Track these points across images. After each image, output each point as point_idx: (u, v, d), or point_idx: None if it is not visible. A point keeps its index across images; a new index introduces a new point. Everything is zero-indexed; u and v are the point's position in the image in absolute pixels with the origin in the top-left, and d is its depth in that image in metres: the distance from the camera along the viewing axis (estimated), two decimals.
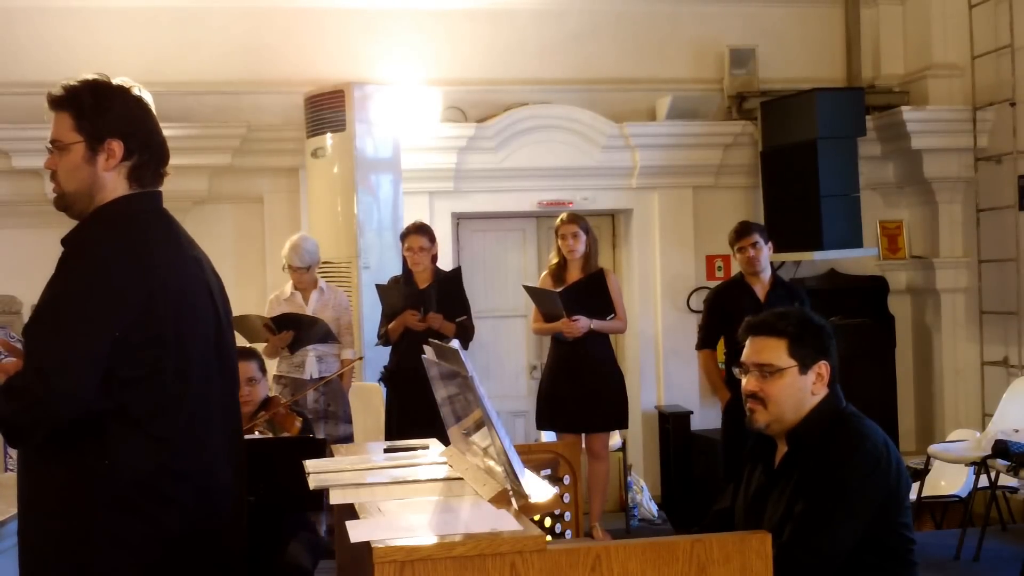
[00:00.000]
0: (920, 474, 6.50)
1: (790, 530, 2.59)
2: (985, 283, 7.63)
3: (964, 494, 6.33)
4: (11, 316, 6.78)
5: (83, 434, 2.35)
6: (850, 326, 7.26)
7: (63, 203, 2.54)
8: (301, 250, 6.15)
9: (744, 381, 2.80)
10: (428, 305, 5.85)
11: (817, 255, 7.23)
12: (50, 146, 2.52)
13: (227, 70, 7.26)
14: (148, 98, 2.57)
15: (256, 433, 4.34)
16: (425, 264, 6.07)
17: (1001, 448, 5.72)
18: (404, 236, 6.14)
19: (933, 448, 6.46)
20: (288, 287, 6.29)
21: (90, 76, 2.53)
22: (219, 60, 7.26)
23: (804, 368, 2.74)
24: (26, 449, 2.44)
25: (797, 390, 2.74)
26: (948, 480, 6.54)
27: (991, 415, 6.77)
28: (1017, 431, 5.97)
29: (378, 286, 6.10)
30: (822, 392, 2.75)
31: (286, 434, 4.48)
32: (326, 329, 5.95)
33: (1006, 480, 6.08)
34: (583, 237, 6.06)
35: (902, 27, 8.03)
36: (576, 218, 6.15)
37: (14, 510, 2.54)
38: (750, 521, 2.78)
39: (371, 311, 6.35)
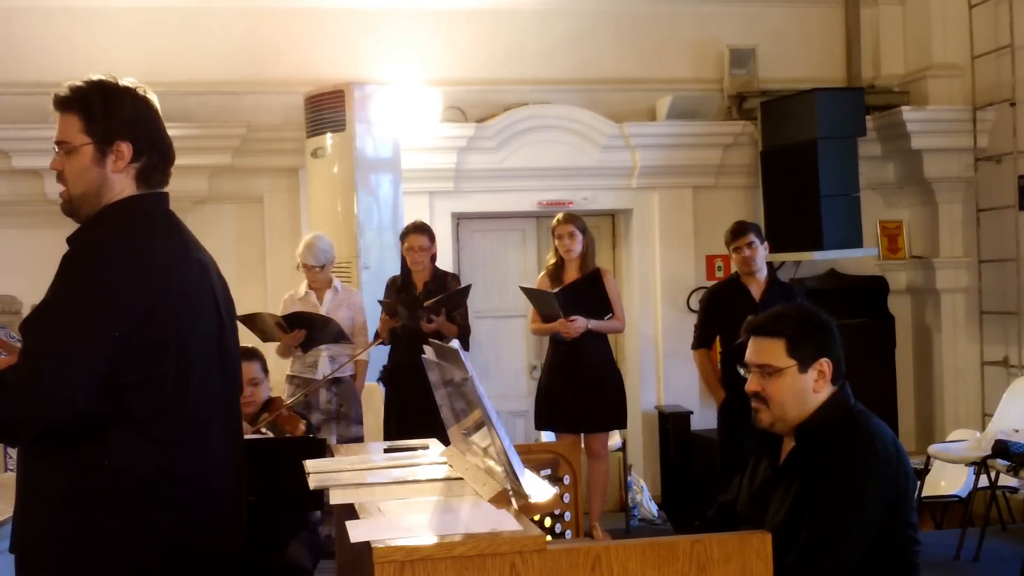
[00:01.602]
0: (920, 474, 6.50)
1: (807, 537, 2.56)
2: (985, 283, 7.64)
3: (964, 494, 6.33)
4: (11, 316, 6.77)
5: (83, 434, 2.34)
6: (850, 326, 7.26)
7: (70, 208, 2.53)
8: (316, 249, 6.14)
9: (748, 381, 2.81)
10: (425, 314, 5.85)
11: (817, 255, 7.23)
12: (56, 147, 2.51)
13: (227, 70, 7.26)
14: (154, 98, 2.57)
15: (262, 433, 4.33)
16: (424, 263, 6.07)
17: (1001, 448, 5.72)
18: (404, 235, 6.14)
19: (933, 448, 6.46)
20: (303, 286, 6.28)
21: (96, 77, 2.51)
22: (219, 60, 7.26)
23: (804, 367, 2.73)
24: (26, 448, 2.44)
25: (798, 389, 2.73)
26: (948, 480, 6.54)
27: (991, 415, 6.77)
28: (1017, 431, 5.97)
29: (381, 302, 6.09)
30: (825, 389, 2.74)
31: (289, 436, 4.47)
32: (339, 330, 5.93)
33: (1006, 480, 6.09)
34: (579, 237, 6.06)
35: (902, 27, 8.03)
36: (572, 218, 6.14)
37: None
38: (753, 514, 2.78)
39: (371, 311, 6.35)
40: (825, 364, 2.74)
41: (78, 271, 2.39)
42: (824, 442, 2.68)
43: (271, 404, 4.60)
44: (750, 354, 2.80)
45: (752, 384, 2.78)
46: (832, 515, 2.57)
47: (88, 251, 2.43)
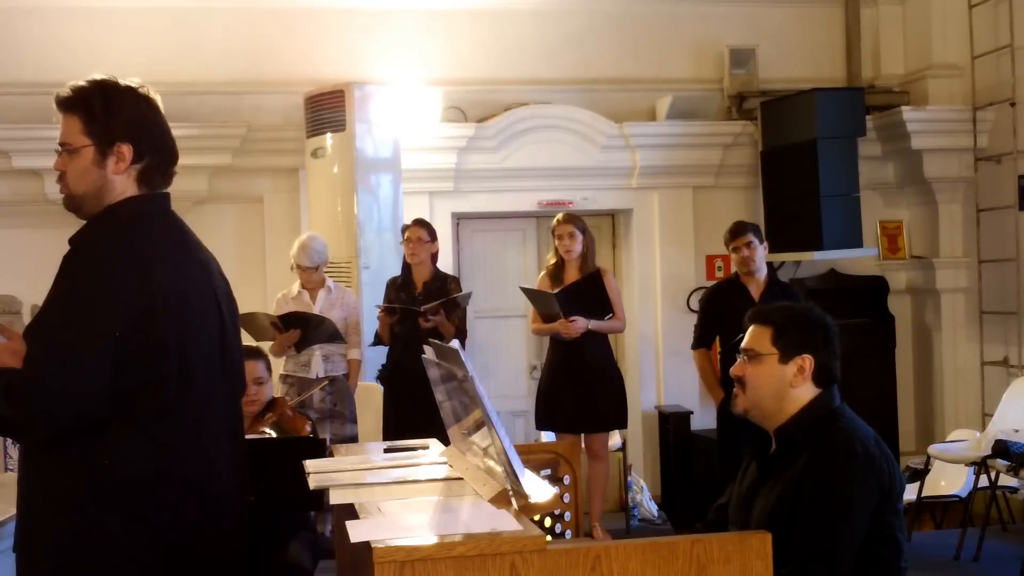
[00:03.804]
0: (920, 474, 6.50)
1: (798, 549, 2.54)
2: (985, 283, 7.63)
3: (964, 494, 6.33)
4: (11, 316, 6.78)
5: (84, 435, 2.34)
6: (850, 326, 7.24)
7: (72, 204, 2.53)
8: (310, 250, 6.15)
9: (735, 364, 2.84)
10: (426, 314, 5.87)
11: (817, 255, 7.23)
12: (59, 148, 2.50)
13: (227, 70, 7.26)
14: (157, 98, 2.56)
15: (266, 432, 4.33)
16: (423, 258, 6.07)
17: (1001, 448, 5.72)
18: (403, 229, 6.17)
19: (933, 448, 6.46)
20: (296, 286, 6.29)
21: (99, 77, 2.51)
22: (219, 60, 7.26)
23: (785, 358, 2.73)
24: (28, 448, 2.44)
25: (775, 378, 2.73)
26: (948, 480, 6.54)
27: (991, 415, 6.77)
28: (1017, 431, 5.97)
29: (379, 306, 6.11)
30: (803, 386, 2.74)
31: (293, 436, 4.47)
32: (333, 329, 5.95)
33: (1006, 480, 6.09)
34: (579, 237, 6.06)
35: (902, 27, 8.03)
36: (572, 218, 6.14)
37: (14, 510, 2.53)
38: (740, 514, 2.78)
39: (371, 311, 6.36)
40: (807, 361, 2.73)
41: (77, 273, 2.39)
42: (804, 444, 2.68)
43: (274, 404, 4.61)
44: (744, 340, 2.83)
45: (736, 368, 2.82)
46: (820, 526, 2.55)
47: (87, 252, 2.43)
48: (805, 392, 2.74)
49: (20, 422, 2.33)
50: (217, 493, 2.50)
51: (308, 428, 4.57)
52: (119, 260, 2.39)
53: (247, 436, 3.76)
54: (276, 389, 6.03)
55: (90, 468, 2.35)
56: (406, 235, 6.10)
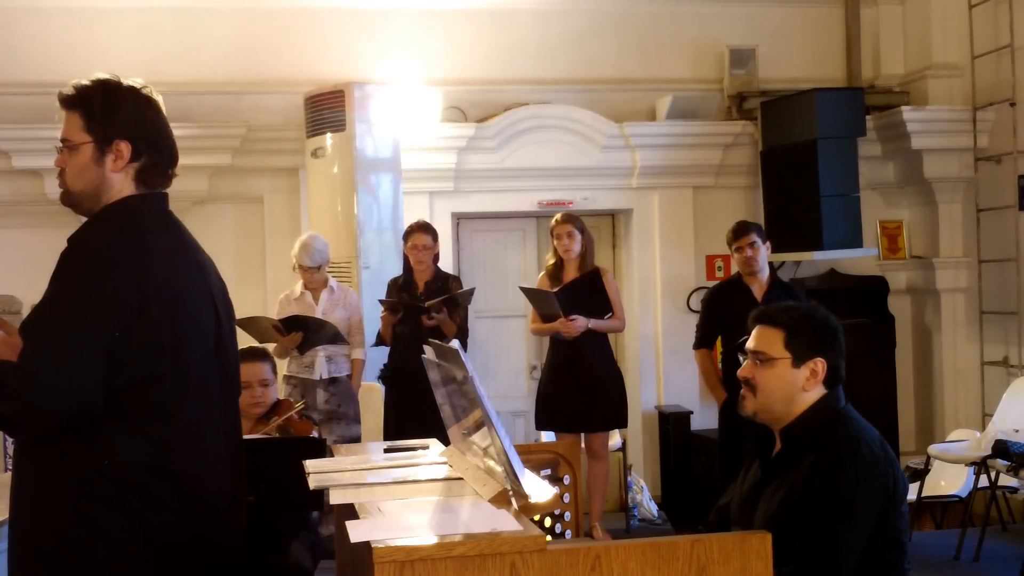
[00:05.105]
0: (920, 474, 6.50)
1: (801, 549, 2.54)
2: (985, 283, 7.63)
3: (964, 494, 6.33)
4: (11, 316, 6.78)
5: (80, 431, 2.35)
6: (850, 326, 7.22)
7: (69, 201, 2.55)
8: (312, 249, 6.15)
9: (742, 366, 2.82)
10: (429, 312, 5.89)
11: (817, 255, 7.23)
12: (60, 145, 2.52)
13: (227, 70, 7.26)
14: (159, 99, 2.58)
15: (272, 435, 4.32)
16: (427, 263, 6.09)
17: (1001, 448, 5.72)
18: (408, 234, 6.16)
19: (933, 448, 6.46)
20: (298, 287, 6.28)
21: (102, 76, 2.53)
22: (219, 60, 7.26)
23: (797, 362, 2.72)
24: (21, 448, 2.44)
25: (787, 382, 2.72)
26: (948, 480, 6.54)
27: (991, 415, 6.77)
28: (1017, 431, 5.97)
29: (382, 301, 6.11)
30: (815, 389, 2.73)
31: None
32: (334, 331, 5.95)
33: (1006, 480, 6.09)
34: (578, 237, 6.06)
35: (902, 27, 8.03)
36: (571, 218, 6.15)
37: None
38: (743, 515, 2.78)
39: (371, 311, 6.36)
40: (819, 364, 2.73)
41: (73, 271, 2.40)
42: (809, 445, 2.67)
43: (279, 405, 4.60)
44: (750, 341, 2.81)
45: (744, 370, 2.80)
46: (823, 528, 2.55)
47: (83, 251, 2.44)
48: (813, 394, 2.74)
49: (13, 418, 2.34)
50: (213, 492, 2.50)
51: (314, 434, 4.57)
52: (115, 258, 2.40)
53: (252, 436, 3.78)
54: (280, 390, 6.04)
55: (85, 466, 2.35)
56: (411, 242, 6.09)
